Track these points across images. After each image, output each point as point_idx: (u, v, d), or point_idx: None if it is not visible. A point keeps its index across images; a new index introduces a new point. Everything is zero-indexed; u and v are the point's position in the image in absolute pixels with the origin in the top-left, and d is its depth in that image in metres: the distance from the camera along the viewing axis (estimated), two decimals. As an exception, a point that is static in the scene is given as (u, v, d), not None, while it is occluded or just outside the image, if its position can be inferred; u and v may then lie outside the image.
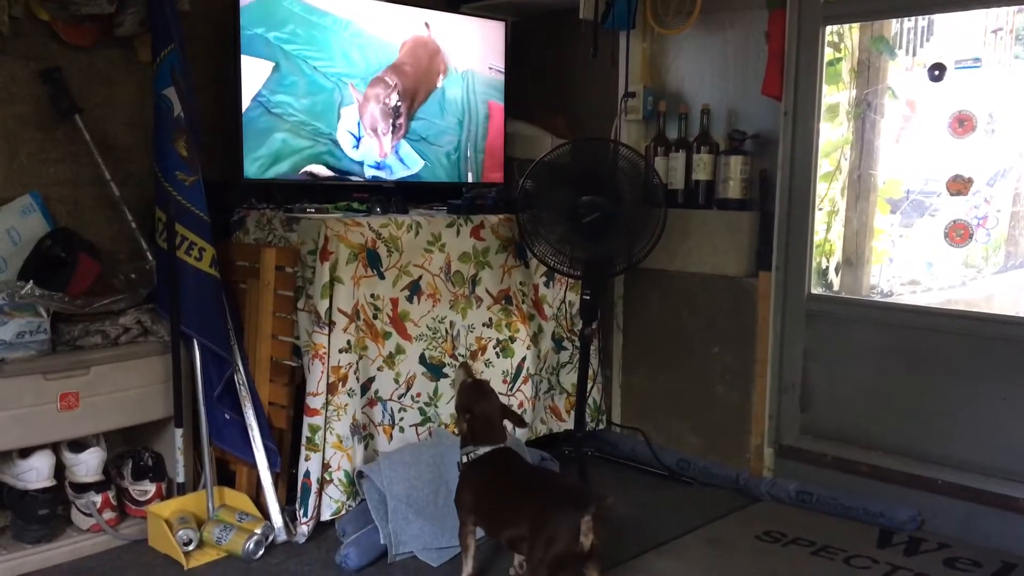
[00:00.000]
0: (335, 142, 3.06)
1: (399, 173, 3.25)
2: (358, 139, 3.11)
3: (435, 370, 2.87)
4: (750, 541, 2.66)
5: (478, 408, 2.31)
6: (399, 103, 3.20)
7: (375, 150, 3.17)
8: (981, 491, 2.65)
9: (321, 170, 3.04)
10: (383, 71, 3.16)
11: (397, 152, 3.23)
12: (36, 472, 2.43)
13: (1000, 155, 2.95)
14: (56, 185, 2.73)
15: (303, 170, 3.00)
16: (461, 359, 2.93)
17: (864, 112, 3.19)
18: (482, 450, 2.29)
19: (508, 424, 2.39)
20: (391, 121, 3.19)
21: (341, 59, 3.04)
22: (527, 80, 3.64)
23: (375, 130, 3.17)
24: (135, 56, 2.82)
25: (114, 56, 2.81)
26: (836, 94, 3.18)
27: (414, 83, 3.25)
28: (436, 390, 2.87)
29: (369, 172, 3.16)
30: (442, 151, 3.36)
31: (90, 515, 2.53)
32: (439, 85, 3.32)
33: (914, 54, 3.15)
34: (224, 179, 2.86)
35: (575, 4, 3.27)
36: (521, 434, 3.04)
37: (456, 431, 2.45)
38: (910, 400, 2.86)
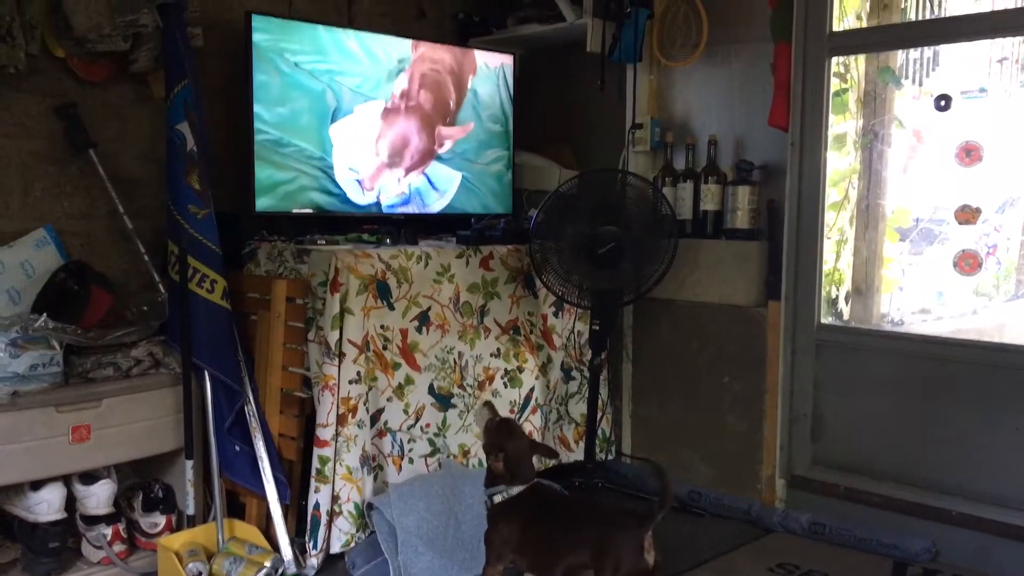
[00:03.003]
0: (331, 178, 3.03)
1: (432, 202, 3.25)
2: (362, 183, 3.09)
3: (444, 400, 2.87)
4: (762, 574, 2.64)
5: (510, 446, 2.30)
6: (423, 123, 3.12)
7: (391, 186, 3.17)
8: (996, 522, 2.63)
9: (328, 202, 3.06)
10: (396, 84, 3.13)
11: (428, 178, 3.20)
12: (47, 504, 2.43)
13: (1008, 184, 2.95)
14: (70, 219, 2.76)
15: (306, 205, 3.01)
16: (469, 389, 2.93)
17: (871, 142, 3.21)
18: (515, 490, 2.29)
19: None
20: (414, 150, 3.16)
21: (338, 57, 2.99)
22: (535, 112, 3.67)
23: (391, 164, 3.16)
24: (149, 91, 2.86)
25: (128, 92, 2.85)
26: (843, 124, 3.20)
27: (438, 89, 3.18)
28: (445, 420, 2.87)
29: (388, 211, 3.17)
30: (487, 170, 3.35)
31: (100, 548, 2.52)
32: (469, 86, 3.27)
33: (920, 84, 3.17)
34: (236, 211, 2.89)
35: (582, 38, 3.31)
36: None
37: (478, 466, 2.44)
38: (923, 430, 2.85)
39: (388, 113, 3.14)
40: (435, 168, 3.28)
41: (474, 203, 3.41)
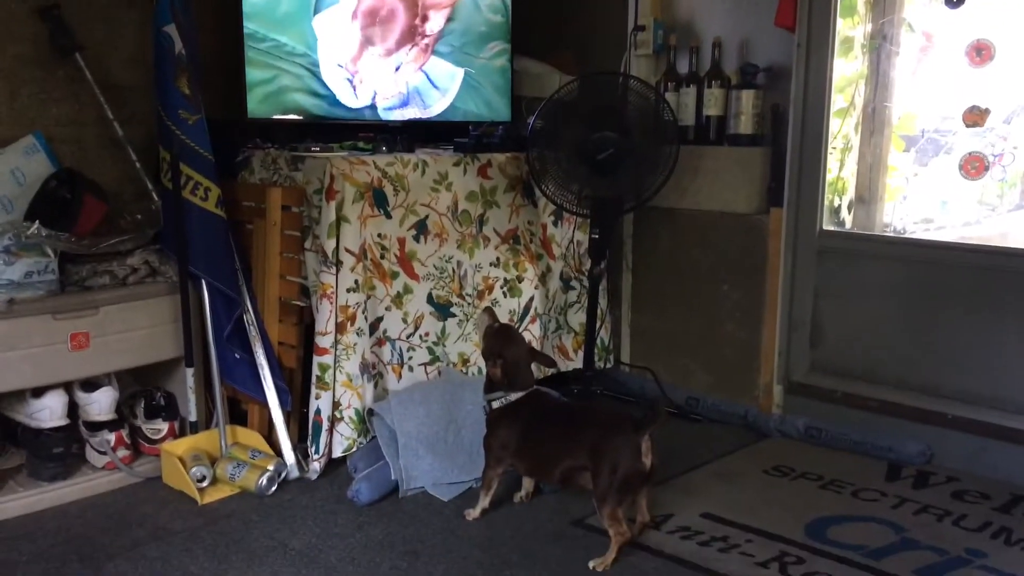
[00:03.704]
0: (318, 76, 2.88)
1: (434, 102, 3.13)
2: (353, 82, 2.95)
3: (443, 310, 2.86)
4: (758, 475, 2.68)
5: (508, 353, 2.32)
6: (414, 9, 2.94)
7: (388, 86, 3.05)
8: (991, 424, 2.66)
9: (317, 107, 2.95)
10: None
11: (427, 75, 3.07)
12: (50, 411, 2.45)
13: (1017, 89, 2.88)
14: (59, 125, 2.71)
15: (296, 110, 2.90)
16: (468, 299, 2.93)
17: (880, 44, 3.12)
18: (514, 396, 2.31)
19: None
20: (407, 40, 3.00)
21: None
22: (533, 16, 3.56)
23: (384, 57, 3.00)
24: (135, -7, 2.77)
25: (113, -7, 2.77)
26: (851, 30, 3.11)
27: None
28: (444, 330, 2.87)
29: (386, 115, 3.07)
30: (490, 64, 3.21)
31: (104, 453, 2.56)
32: None
33: (933, -18, 3.06)
34: (227, 118, 2.83)
35: (582, -65, 3.19)
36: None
37: (478, 374, 2.45)
38: (921, 335, 2.85)
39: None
40: (434, 64, 3.15)
41: (479, 103, 3.29)
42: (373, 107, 3.07)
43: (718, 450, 2.86)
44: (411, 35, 3.06)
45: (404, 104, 3.13)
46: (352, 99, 3.00)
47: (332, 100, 2.97)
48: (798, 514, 2.41)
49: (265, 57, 2.81)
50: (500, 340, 2.35)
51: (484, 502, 2.36)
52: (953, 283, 2.77)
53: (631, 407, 3.26)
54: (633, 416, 2.16)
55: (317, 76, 2.92)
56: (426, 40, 3.09)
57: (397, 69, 3.06)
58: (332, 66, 2.94)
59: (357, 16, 2.96)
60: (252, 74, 2.79)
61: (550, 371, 2.90)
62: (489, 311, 2.48)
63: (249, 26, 2.76)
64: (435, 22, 3.12)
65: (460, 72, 3.23)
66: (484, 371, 2.41)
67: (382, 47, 3.02)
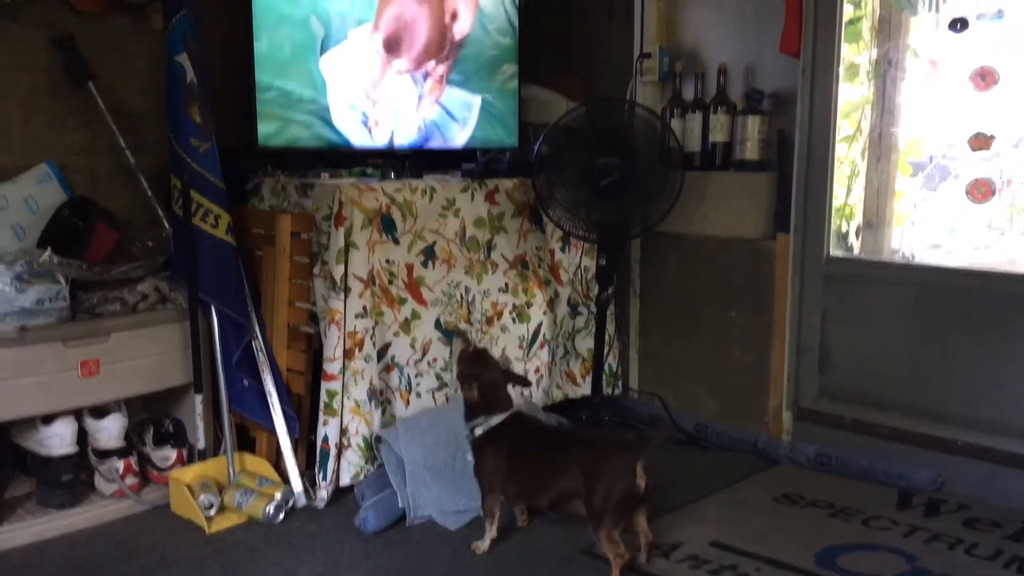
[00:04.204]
0: (328, 121, 2.87)
1: (454, 135, 3.14)
2: (368, 123, 2.92)
3: (451, 335, 2.86)
4: (768, 503, 2.66)
5: (484, 375, 2.32)
6: (429, 51, 2.93)
7: (407, 124, 3.03)
8: (1001, 451, 2.64)
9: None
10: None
11: (444, 108, 3.06)
12: (59, 438, 2.46)
13: (1022, 114, 2.89)
14: (72, 154, 2.74)
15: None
16: (477, 324, 2.93)
17: (885, 70, 3.13)
18: (495, 419, 2.31)
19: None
20: (425, 67, 2.97)
21: None
22: (541, 44, 3.59)
23: (402, 91, 2.98)
24: (147, 23, 2.81)
25: (126, 23, 2.80)
26: (856, 56, 3.13)
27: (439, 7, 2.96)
28: (452, 355, 2.87)
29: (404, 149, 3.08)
30: (505, 88, 3.21)
31: (113, 481, 2.56)
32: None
33: (937, 10, 3.08)
34: (238, 146, 2.86)
35: (589, -35, 3.23)
36: (538, 399, 3.05)
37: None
38: (930, 361, 2.84)
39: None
40: (450, 95, 3.15)
41: (498, 130, 3.30)
42: (391, 145, 3.06)
43: (727, 477, 2.84)
44: (430, 62, 3.07)
45: (425, 141, 3.13)
46: (368, 141, 2.99)
47: (346, 146, 2.97)
48: (808, 542, 2.39)
49: (271, 108, 2.80)
50: (475, 363, 2.37)
51: (491, 532, 2.34)
52: (962, 308, 2.76)
53: (634, 432, 3.26)
54: (625, 438, 2.16)
55: (328, 122, 2.90)
56: (440, 70, 3.12)
57: (418, 102, 3.05)
58: (344, 108, 2.92)
59: (373, 50, 2.95)
60: (263, 129, 2.79)
61: (527, 392, 2.88)
62: (463, 335, 2.49)
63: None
64: (452, 50, 3.13)
65: (477, 100, 3.24)
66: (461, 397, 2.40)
67: (399, 81, 3.01)
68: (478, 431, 2.32)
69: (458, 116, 3.18)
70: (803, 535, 2.44)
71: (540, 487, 2.25)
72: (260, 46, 2.74)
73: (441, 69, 3.11)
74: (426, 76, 3.08)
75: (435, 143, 3.15)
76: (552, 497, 2.23)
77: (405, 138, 3.09)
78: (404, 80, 3.04)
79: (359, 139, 2.99)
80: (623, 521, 2.14)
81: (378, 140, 3.02)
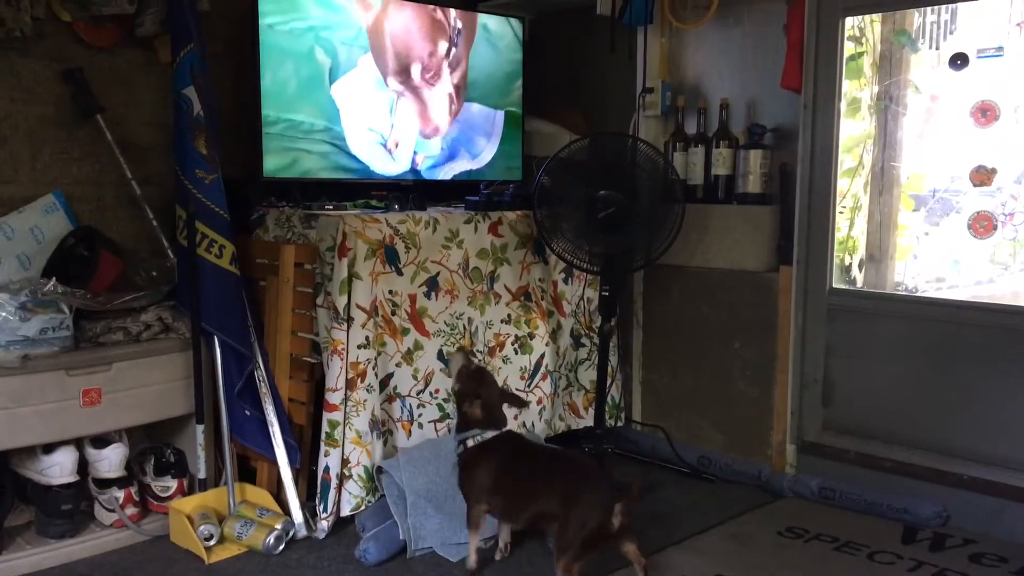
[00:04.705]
0: (345, 150, 2.89)
1: (481, 149, 3.14)
2: (387, 145, 2.92)
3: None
4: (772, 537, 2.64)
5: (485, 393, 2.36)
6: (439, 57, 2.92)
7: (430, 146, 3.03)
8: (1007, 486, 2.62)
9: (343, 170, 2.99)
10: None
11: (465, 123, 3.07)
12: (60, 468, 2.45)
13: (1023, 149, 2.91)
14: (79, 184, 2.77)
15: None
16: (480, 355, 2.93)
17: (886, 105, 3.16)
18: (489, 434, 2.33)
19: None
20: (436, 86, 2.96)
21: (319, 12, 2.74)
22: (544, 78, 3.63)
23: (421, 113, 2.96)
24: (155, 56, 2.85)
25: (134, 56, 2.85)
26: (858, 91, 3.15)
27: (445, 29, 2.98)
28: (451, 371, 2.86)
29: (430, 174, 3.10)
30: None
31: (113, 511, 2.55)
32: (479, 20, 3.12)
33: (937, 47, 3.11)
34: (243, 176, 2.88)
35: (592, 1, 3.26)
36: (540, 429, 3.04)
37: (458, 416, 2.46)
38: (935, 394, 2.83)
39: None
40: (468, 111, 3.17)
41: (507, 162, 3.35)
42: (415, 169, 3.07)
43: (731, 511, 2.82)
44: (440, 79, 3.08)
45: (451, 158, 3.14)
46: (389, 164, 2.97)
47: (365, 172, 2.97)
48: (813, 577, 2.37)
49: (280, 141, 2.81)
50: (476, 381, 2.40)
51: (475, 542, 2.35)
52: (965, 342, 2.76)
53: (645, 467, 3.24)
54: (612, 477, 2.15)
55: (344, 149, 2.91)
56: (450, 90, 3.13)
57: (434, 120, 3.06)
58: (361, 133, 2.92)
59: (381, 74, 2.97)
60: (269, 162, 2.79)
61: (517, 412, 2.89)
62: (464, 351, 2.50)
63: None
64: (458, 71, 3.14)
65: (499, 114, 3.26)
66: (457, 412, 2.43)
67: (415, 102, 3.02)
68: (470, 443, 2.35)
69: (483, 130, 3.20)
70: (808, 569, 2.42)
71: (522, 504, 2.28)
72: (265, 82, 2.77)
73: (451, 90, 3.14)
74: (439, 92, 3.10)
75: (462, 159, 3.15)
76: (531, 516, 2.25)
77: (428, 159, 3.10)
78: (418, 99, 3.07)
79: (380, 164, 2.98)
80: (587, 556, 2.13)
81: (401, 163, 3.02)
